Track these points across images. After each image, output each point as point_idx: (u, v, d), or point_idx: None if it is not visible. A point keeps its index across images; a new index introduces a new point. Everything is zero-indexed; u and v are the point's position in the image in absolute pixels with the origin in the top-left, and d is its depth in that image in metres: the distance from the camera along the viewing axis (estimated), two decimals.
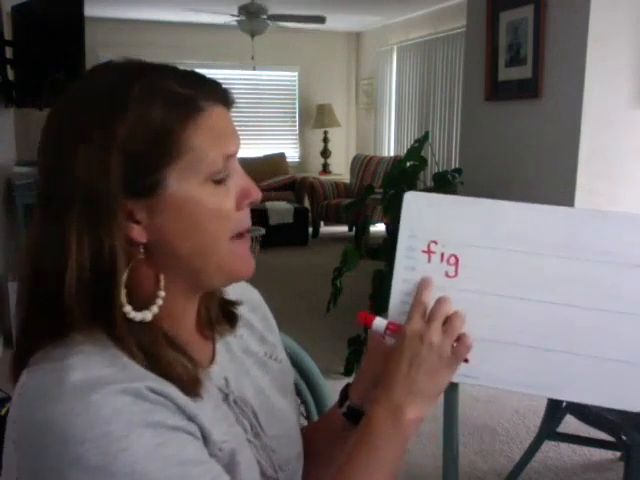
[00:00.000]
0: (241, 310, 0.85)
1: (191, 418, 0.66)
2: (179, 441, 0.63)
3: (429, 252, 0.76)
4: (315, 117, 7.96)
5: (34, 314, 0.67)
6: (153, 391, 0.63)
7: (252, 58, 6.65)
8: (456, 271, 0.75)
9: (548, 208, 0.74)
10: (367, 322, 0.76)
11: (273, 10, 5.74)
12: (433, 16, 6.47)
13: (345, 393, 0.86)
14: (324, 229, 7.51)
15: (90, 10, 4.22)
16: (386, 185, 3.26)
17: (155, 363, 0.65)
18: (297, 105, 8.16)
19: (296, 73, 8.07)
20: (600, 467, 2.53)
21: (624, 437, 1.96)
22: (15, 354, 0.67)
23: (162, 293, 0.69)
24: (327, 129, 7.95)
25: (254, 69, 7.13)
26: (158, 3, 6.22)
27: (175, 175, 0.66)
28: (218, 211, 0.68)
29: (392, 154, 7.34)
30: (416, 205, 0.77)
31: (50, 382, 0.61)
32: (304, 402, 1.12)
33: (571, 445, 2.60)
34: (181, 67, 0.70)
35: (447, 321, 0.72)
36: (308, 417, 1.12)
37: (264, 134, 8.01)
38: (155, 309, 0.68)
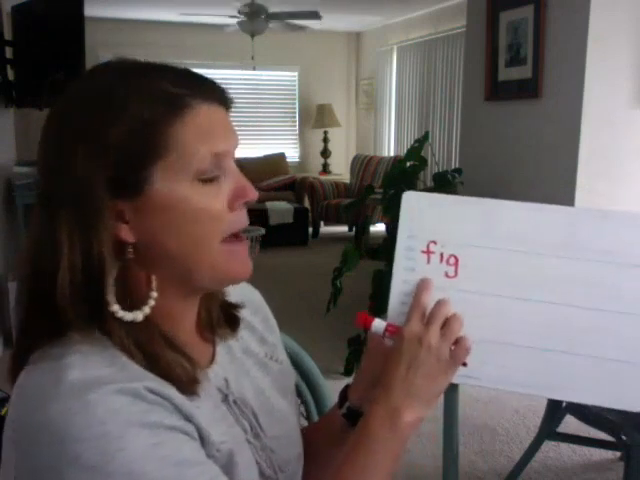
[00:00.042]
0: (242, 311, 0.85)
1: (188, 418, 0.65)
2: (176, 441, 0.62)
3: (428, 252, 0.76)
4: (315, 117, 7.96)
5: (33, 314, 0.67)
6: (151, 391, 0.63)
7: (252, 58, 6.65)
8: (456, 271, 0.75)
9: (548, 208, 0.74)
10: (366, 324, 0.76)
11: (273, 10, 5.74)
12: (433, 16, 6.47)
13: (344, 394, 0.86)
14: (324, 229, 7.51)
15: (90, 10, 4.22)
16: (386, 185, 3.26)
17: (153, 363, 0.65)
18: (297, 105, 8.16)
19: (296, 73, 8.07)
20: (600, 467, 2.53)
21: (624, 437, 1.96)
22: (14, 354, 0.67)
23: (154, 294, 0.68)
24: (327, 129, 7.95)
25: (254, 69, 7.13)
26: (158, 3, 6.22)
27: (161, 174, 0.65)
28: (207, 211, 0.67)
29: (392, 154, 7.34)
30: (415, 205, 0.76)
31: (48, 382, 0.61)
32: (304, 402, 1.12)
33: (571, 445, 2.60)
34: (181, 67, 0.70)
35: (445, 324, 0.71)
36: (308, 417, 1.12)
37: (264, 134, 8.01)
38: (147, 310, 0.67)
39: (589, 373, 0.73)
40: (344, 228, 7.53)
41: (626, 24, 2.88)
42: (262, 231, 5.76)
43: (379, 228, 6.75)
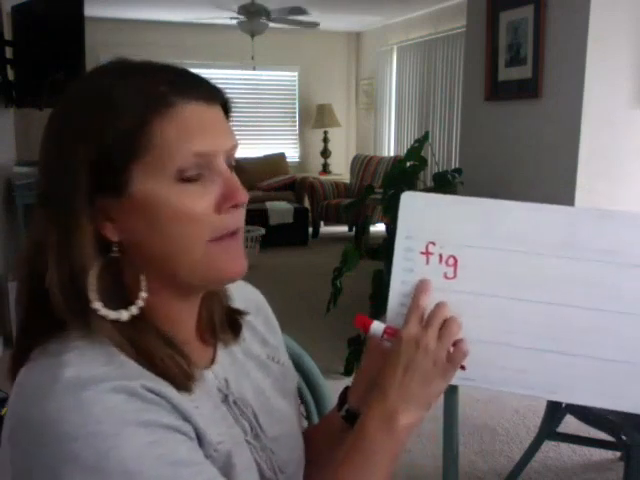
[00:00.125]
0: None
1: (186, 418, 0.65)
2: (172, 441, 0.62)
3: (427, 254, 0.75)
4: (315, 117, 7.96)
5: (33, 313, 0.67)
6: (148, 390, 0.62)
7: (252, 58, 6.65)
8: (455, 272, 0.75)
9: (547, 207, 0.74)
10: (365, 326, 0.76)
11: (273, 10, 5.74)
12: (433, 16, 6.47)
13: (344, 396, 0.86)
14: (324, 229, 7.50)
15: (90, 10, 4.22)
16: (386, 185, 3.26)
17: (147, 359, 0.65)
18: (297, 105, 8.15)
19: (296, 73, 8.06)
20: (600, 467, 2.53)
21: (624, 437, 1.96)
22: (14, 352, 0.68)
23: (143, 294, 0.68)
24: (327, 129, 7.95)
25: (254, 69, 7.13)
26: (158, 3, 6.22)
27: (142, 173, 0.64)
28: (189, 212, 0.65)
29: (392, 154, 7.33)
30: (413, 206, 0.76)
31: (45, 380, 0.61)
32: (304, 402, 1.12)
33: (571, 445, 2.60)
34: (180, 67, 0.69)
35: (443, 326, 0.71)
36: (308, 417, 1.12)
37: (264, 134, 8.01)
38: (134, 310, 0.67)
39: (589, 374, 0.73)
40: (344, 228, 7.52)
41: (626, 24, 2.87)
42: (262, 231, 5.76)
43: (379, 228, 6.74)
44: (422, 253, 0.75)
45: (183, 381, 0.67)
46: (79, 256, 0.64)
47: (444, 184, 3.31)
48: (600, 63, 2.86)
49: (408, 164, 3.23)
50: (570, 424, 2.19)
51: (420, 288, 0.74)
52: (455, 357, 0.71)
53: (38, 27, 3.64)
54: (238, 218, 0.69)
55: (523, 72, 3.21)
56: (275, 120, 8.11)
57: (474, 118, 3.70)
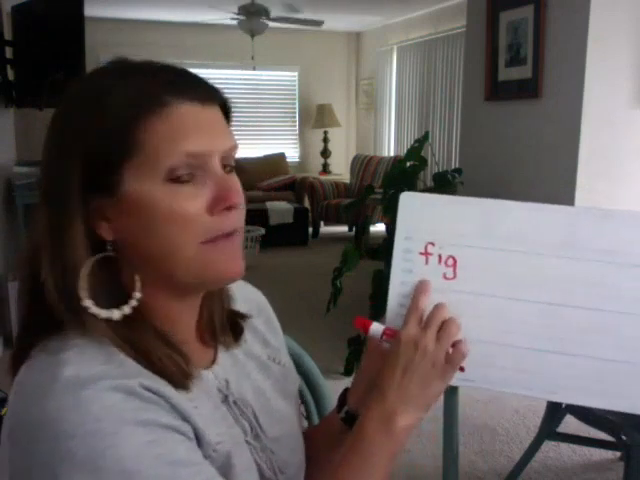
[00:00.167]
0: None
1: (185, 418, 0.65)
2: (171, 440, 0.62)
3: (426, 254, 0.75)
4: (315, 117, 7.95)
5: (34, 312, 0.67)
6: (147, 389, 0.62)
7: (252, 58, 6.65)
8: (454, 273, 0.74)
9: (547, 207, 0.73)
10: (364, 328, 0.76)
11: (273, 10, 5.74)
12: (433, 16, 6.47)
13: (343, 398, 0.86)
14: (324, 229, 7.50)
15: (90, 10, 4.22)
16: (386, 185, 3.26)
17: (144, 358, 0.65)
18: (297, 105, 8.15)
19: (296, 73, 8.06)
20: (600, 467, 2.53)
21: (624, 437, 1.95)
22: (15, 350, 0.68)
23: (137, 294, 0.68)
24: (327, 129, 7.95)
25: (254, 69, 7.13)
26: (158, 3, 6.22)
27: (133, 174, 0.64)
28: (180, 213, 0.64)
29: (392, 154, 7.33)
30: (412, 206, 0.76)
31: (45, 379, 0.61)
32: (304, 402, 1.12)
33: (571, 445, 2.60)
34: (179, 67, 0.69)
35: (442, 327, 0.71)
36: (308, 417, 1.12)
37: (264, 134, 8.01)
38: (126, 309, 0.67)
39: (589, 374, 0.72)
40: (344, 228, 7.52)
41: (626, 24, 2.87)
42: (262, 231, 5.76)
43: (379, 228, 6.74)
44: (421, 254, 0.75)
45: (181, 379, 0.67)
46: (71, 255, 0.64)
47: (444, 184, 3.31)
48: (600, 63, 2.86)
49: (408, 164, 3.23)
50: (570, 424, 2.19)
51: (419, 289, 0.74)
52: (454, 358, 0.71)
53: (38, 27, 3.64)
54: (234, 220, 0.68)
55: (523, 72, 3.21)
56: (275, 120, 8.11)
57: (474, 118, 3.70)
